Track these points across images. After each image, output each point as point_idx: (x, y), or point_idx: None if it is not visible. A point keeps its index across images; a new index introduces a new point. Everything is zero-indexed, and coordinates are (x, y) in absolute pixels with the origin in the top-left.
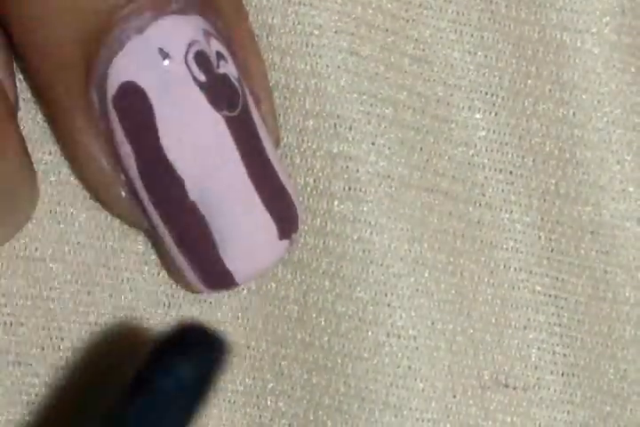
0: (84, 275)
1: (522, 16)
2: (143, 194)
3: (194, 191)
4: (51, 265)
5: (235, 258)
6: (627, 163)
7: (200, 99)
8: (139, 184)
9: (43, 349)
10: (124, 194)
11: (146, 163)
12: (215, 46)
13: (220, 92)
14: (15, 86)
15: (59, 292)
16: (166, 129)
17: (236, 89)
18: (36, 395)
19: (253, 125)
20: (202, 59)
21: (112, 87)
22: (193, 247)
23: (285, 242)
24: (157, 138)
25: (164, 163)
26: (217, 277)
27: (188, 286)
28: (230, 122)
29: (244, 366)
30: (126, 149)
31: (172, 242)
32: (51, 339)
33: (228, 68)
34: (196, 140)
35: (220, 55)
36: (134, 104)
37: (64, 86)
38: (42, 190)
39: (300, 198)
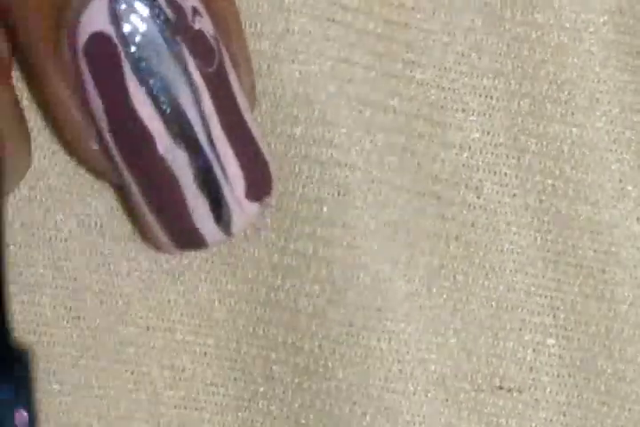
0: (75, 281)
1: (517, 17)
2: (113, 146)
3: (163, 145)
4: (41, 271)
5: (205, 218)
6: (625, 162)
7: (171, 50)
8: (108, 136)
9: (34, 354)
10: (95, 146)
11: (115, 114)
12: (191, 1)
13: (193, 46)
14: (9, 44)
15: (50, 297)
16: (135, 79)
17: (211, 46)
18: None
19: (229, 84)
20: (175, 10)
21: (83, 36)
22: (163, 205)
23: (256, 205)
24: (126, 88)
25: (132, 114)
26: (186, 237)
27: (158, 246)
28: (205, 77)
29: (235, 370)
30: (96, 100)
31: (142, 199)
32: (42, 345)
33: (204, 25)
34: (166, 91)
35: (195, 10)
36: (104, 53)
37: (36, 35)
38: (31, 197)
39: (276, 164)
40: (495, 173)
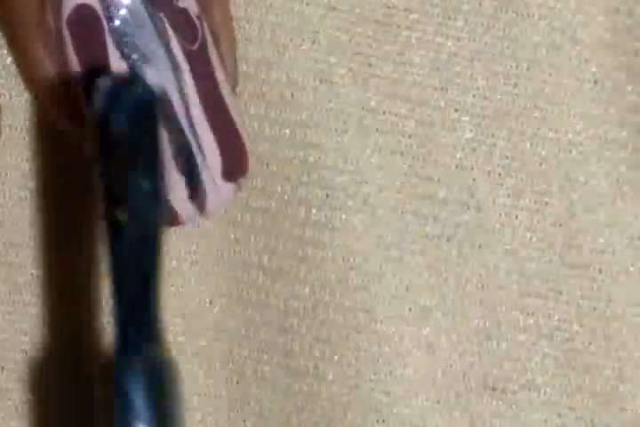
0: (67, 282)
1: (512, 17)
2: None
3: None
4: (32, 271)
5: (180, 195)
6: (622, 161)
7: (154, 26)
8: (86, 105)
9: (26, 354)
10: (71, 111)
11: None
12: None
13: (177, 24)
14: None
15: (42, 298)
16: (117, 53)
17: (194, 24)
18: (20, 400)
19: (211, 64)
20: None
21: (67, 7)
22: None
23: (232, 185)
24: (107, 61)
25: None
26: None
27: None
28: (187, 55)
29: (226, 371)
30: (78, 71)
31: None
32: (34, 344)
33: (188, 3)
34: (147, 66)
35: None
36: (87, 25)
37: (21, 6)
38: (21, 198)
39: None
40: (489, 173)
